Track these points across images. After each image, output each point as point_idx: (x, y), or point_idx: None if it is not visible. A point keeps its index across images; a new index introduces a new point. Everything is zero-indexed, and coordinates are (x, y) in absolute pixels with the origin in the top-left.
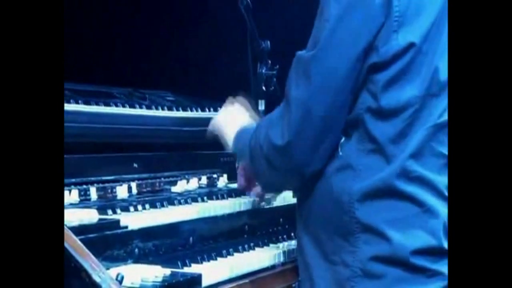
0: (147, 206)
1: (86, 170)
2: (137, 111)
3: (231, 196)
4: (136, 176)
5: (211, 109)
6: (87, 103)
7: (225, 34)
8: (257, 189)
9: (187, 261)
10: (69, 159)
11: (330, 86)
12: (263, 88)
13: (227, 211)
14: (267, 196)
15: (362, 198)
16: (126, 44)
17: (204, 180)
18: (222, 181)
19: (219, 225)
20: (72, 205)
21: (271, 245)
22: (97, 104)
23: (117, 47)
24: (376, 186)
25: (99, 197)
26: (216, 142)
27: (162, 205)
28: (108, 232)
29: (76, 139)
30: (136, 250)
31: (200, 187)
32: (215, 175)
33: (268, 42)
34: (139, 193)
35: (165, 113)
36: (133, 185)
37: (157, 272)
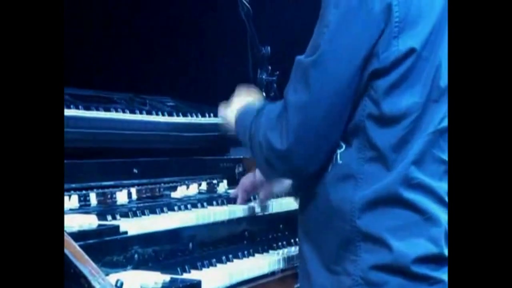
0: (146, 211)
1: (86, 176)
2: (137, 117)
3: (230, 202)
4: (136, 181)
5: (211, 115)
6: (87, 108)
7: (225, 40)
8: (261, 195)
9: (186, 267)
10: (69, 164)
11: (329, 92)
12: (263, 93)
13: (226, 217)
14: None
15: (363, 207)
16: (127, 50)
17: (204, 185)
18: (222, 187)
19: (219, 231)
20: (72, 210)
21: (270, 251)
22: (97, 109)
23: (117, 52)
24: (378, 195)
25: (99, 202)
26: (216, 147)
27: (162, 211)
28: (107, 238)
29: (76, 144)
30: (136, 256)
31: (200, 193)
32: (215, 181)
33: (269, 48)
34: (138, 198)
35: (165, 118)
36: (133, 190)
37: (157, 278)
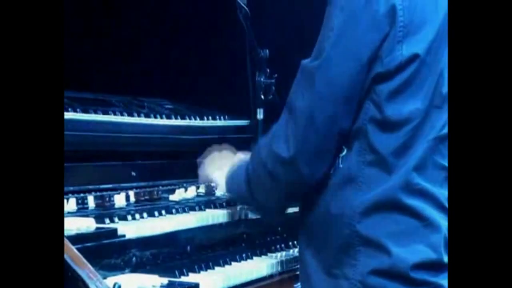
0: (144, 214)
1: (84, 179)
2: (136, 119)
3: (229, 205)
4: (134, 184)
5: (210, 118)
6: (85, 111)
7: (224, 43)
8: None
9: (184, 270)
10: (67, 167)
11: (334, 96)
12: (262, 96)
13: (225, 220)
14: None
15: (363, 211)
16: (125, 53)
17: (202, 188)
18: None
19: (217, 234)
20: (70, 213)
21: (268, 254)
22: (95, 112)
23: (115, 55)
24: (378, 199)
25: (97, 205)
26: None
27: (160, 214)
28: (105, 241)
29: (74, 147)
30: (134, 259)
31: (198, 196)
32: (213, 184)
33: (267, 51)
34: (137, 201)
35: (164, 121)
36: (131, 193)
37: (155, 281)
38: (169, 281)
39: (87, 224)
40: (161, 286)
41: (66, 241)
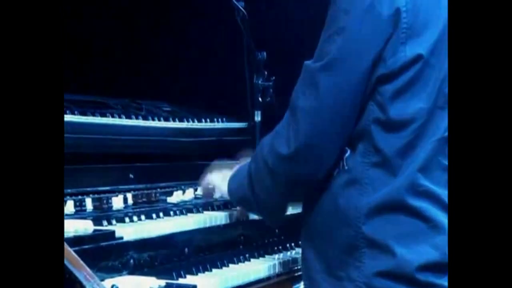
0: (142, 217)
1: (82, 181)
2: (134, 122)
3: (226, 207)
4: (132, 186)
5: (208, 120)
6: (83, 113)
7: (222, 45)
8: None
9: (182, 273)
10: (65, 170)
11: (338, 96)
12: (259, 98)
13: (222, 222)
14: None
15: (369, 212)
16: (123, 55)
17: (200, 191)
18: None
19: (215, 236)
20: (68, 215)
21: (266, 256)
22: (93, 114)
23: (113, 57)
24: (384, 201)
25: (95, 208)
26: (212, 152)
27: (158, 216)
28: (103, 243)
29: (72, 150)
30: (131, 261)
31: (196, 198)
32: (211, 186)
33: (265, 53)
34: (134, 204)
35: (162, 123)
36: (129, 196)
37: (152, 283)
38: (167, 283)
39: (85, 226)
40: None
41: (64, 243)
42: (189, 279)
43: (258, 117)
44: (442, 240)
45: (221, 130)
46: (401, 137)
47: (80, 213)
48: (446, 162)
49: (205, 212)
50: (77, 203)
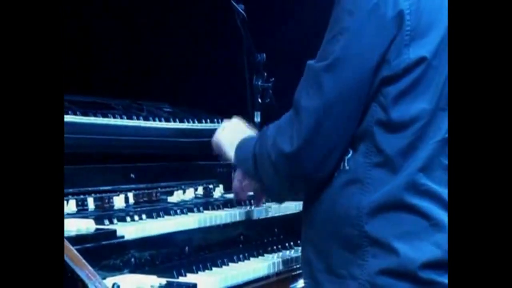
0: (143, 216)
1: (84, 180)
2: (135, 122)
3: (227, 207)
4: (133, 186)
5: (208, 121)
6: (84, 114)
7: (222, 47)
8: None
9: (182, 271)
10: (67, 170)
11: (341, 96)
12: (259, 100)
13: (222, 221)
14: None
15: (371, 211)
16: (124, 56)
17: (200, 190)
18: (218, 192)
19: (215, 235)
20: (70, 215)
21: (266, 255)
22: (95, 115)
23: (115, 58)
24: (385, 200)
25: (96, 207)
26: (212, 153)
27: (159, 215)
28: (104, 242)
29: (74, 150)
30: (132, 259)
31: (196, 197)
32: (211, 186)
33: (264, 55)
34: (136, 203)
35: (163, 124)
36: (130, 195)
37: (153, 282)
38: (167, 281)
39: (87, 225)
40: (159, 287)
41: (66, 242)
42: (189, 278)
43: (257, 118)
44: (444, 238)
45: None
46: (403, 137)
47: (82, 212)
48: (447, 162)
49: (205, 212)
50: (79, 203)
